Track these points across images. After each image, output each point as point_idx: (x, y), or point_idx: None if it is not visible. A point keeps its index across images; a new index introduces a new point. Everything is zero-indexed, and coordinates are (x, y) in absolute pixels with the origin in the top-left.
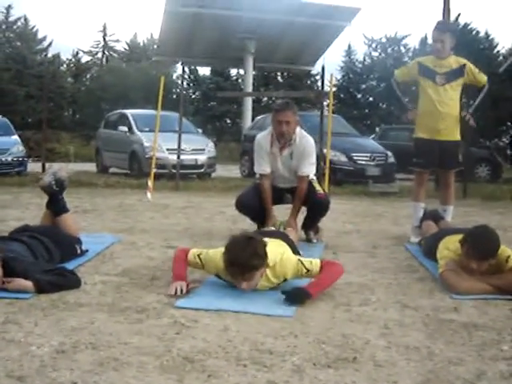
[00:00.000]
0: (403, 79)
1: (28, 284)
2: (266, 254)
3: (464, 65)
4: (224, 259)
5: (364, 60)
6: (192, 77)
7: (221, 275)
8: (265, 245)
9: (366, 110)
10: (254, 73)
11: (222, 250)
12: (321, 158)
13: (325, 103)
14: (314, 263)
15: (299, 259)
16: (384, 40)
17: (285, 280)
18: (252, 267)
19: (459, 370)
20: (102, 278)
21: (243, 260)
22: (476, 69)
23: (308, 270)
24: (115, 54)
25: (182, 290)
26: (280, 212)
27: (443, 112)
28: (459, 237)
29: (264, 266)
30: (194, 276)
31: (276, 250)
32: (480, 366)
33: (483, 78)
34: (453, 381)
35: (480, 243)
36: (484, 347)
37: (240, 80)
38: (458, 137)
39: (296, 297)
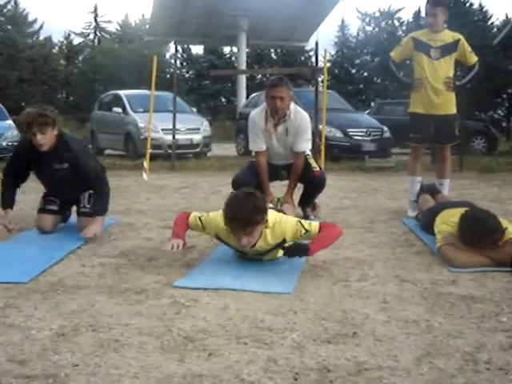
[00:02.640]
0: (400, 59)
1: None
2: (266, 208)
3: (458, 40)
4: (225, 215)
5: (358, 35)
6: (185, 56)
7: (220, 236)
8: (265, 200)
9: (361, 85)
10: (247, 50)
11: (222, 210)
12: (316, 134)
13: (319, 79)
14: (312, 224)
15: (298, 220)
16: (377, 14)
17: (283, 242)
18: (253, 221)
19: (459, 343)
20: (100, 260)
21: (245, 214)
22: (469, 48)
23: (307, 231)
24: (107, 35)
25: (178, 247)
26: (276, 189)
27: (438, 87)
28: (456, 210)
29: (264, 220)
30: (192, 255)
31: (275, 213)
32: (479, 338)
33: (473, 59)
34: (452, 353)
35: (491, 229)
36: (483, 319)
37: (233, 58)
38: (454, 110)
39: (295, 250)
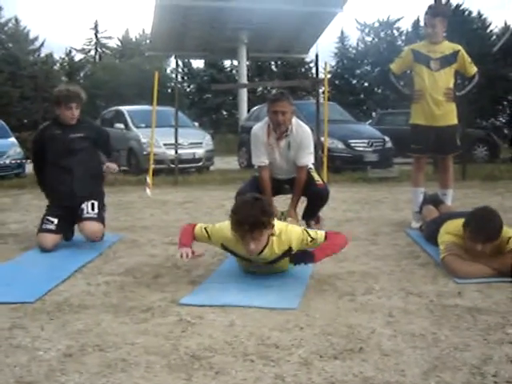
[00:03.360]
0: (400, 71)
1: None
2: (272, 212)
3: (458, 51)
4: (232, 220)
5: (357, 45)
6: (186, 70)
7: (226, 245)
8: (271, 204)
9: (362, 96)
10: (247, 63)
11: (228, 222)
12: (318, 146)
13: (320, 90)
14: (318, 233)
15: (304, 229)
16: (377, 24)
17: (290, 250)
18: (260, 224)
19: (465, 356)
20: (105, 279)
21: (252, 217)
22: (469, 58)
23: (313, 239)
24: (108, 51)
25: (187, 255)
26: (279, 203)
27: (438, 99)
28: (460, 221)
29: (271, 224)
30: (197, 271)
31: (281, 222)
32: (486, 351)
33: (473, 70)
34: (460, 367)
35: (484, 225)
36: (489, 331)
37: (234, 71)
38: (454, 121)
39: (301, 257)
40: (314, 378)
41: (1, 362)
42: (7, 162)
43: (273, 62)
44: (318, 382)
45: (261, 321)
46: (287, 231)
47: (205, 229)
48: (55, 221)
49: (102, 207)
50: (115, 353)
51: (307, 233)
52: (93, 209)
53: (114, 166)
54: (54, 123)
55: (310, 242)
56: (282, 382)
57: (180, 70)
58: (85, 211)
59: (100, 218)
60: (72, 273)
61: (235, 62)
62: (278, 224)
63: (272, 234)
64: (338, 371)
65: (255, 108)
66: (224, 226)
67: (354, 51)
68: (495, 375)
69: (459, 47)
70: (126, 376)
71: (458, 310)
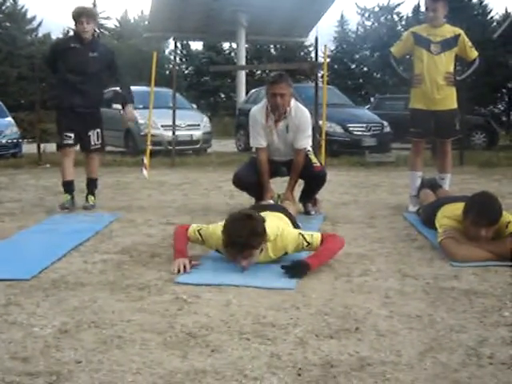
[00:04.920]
0: (401, 54)
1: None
2: (264, 231)
3: (459, 35)
4: (223, 239)
5: (357, 30)
6: (184, 52)
7: (221, 251)
8: (263, 221)
9: (361, 80)
10: (246, 46)
11: (222, 225)
12: (316, 129)
13: (319, 74)
14: (314, 236)
15: (300, 232)
16: (377, 9)
17: (285, 254)
18: (251, 247)
19: (461, 337)
20: (102, 257)
21: (242, 240)
22: (469, 42)
23: (309, 244)
24: (106, 32)
25: (184, 267)
26: (276, 185)
27: (439, 82)
28: (457, 205)
29: (262, 243)
30: (194, 251)
31: (276, 224)
32: (482, 333)
33: (473, 54)
34: (455, 348)
35: (485, 209)
36: (485, 314)
37: (233, 54)
38: (454, 105)
39: (296, 269)
40: (310, 357)
41: None
42: (4, 141)
43: (272, 46)
44: (314, 360)
45: (257, 300)
46: (282, 236)
47: (198, 232)
48: (72, 135)
49: (102, 133)
50: (111, 330)
51: (303, 237)
52: (98, 139)
53: (132, 116)
54: (73, 37)
55: (306, 246)
56: (277, 361)
57: (178, 51)
58: (92, 142)
59: (103, 148)
60: (68, 251)
61: (234, 45)
62: (272, 228)
63: (266, 241)
64: (334, 350)
65: (253, 91)
66: (217, 231)
67: (353, 35)
68: (491, 357)
69: (460, 31)
70: (121, 353)
71: (454, 292)
